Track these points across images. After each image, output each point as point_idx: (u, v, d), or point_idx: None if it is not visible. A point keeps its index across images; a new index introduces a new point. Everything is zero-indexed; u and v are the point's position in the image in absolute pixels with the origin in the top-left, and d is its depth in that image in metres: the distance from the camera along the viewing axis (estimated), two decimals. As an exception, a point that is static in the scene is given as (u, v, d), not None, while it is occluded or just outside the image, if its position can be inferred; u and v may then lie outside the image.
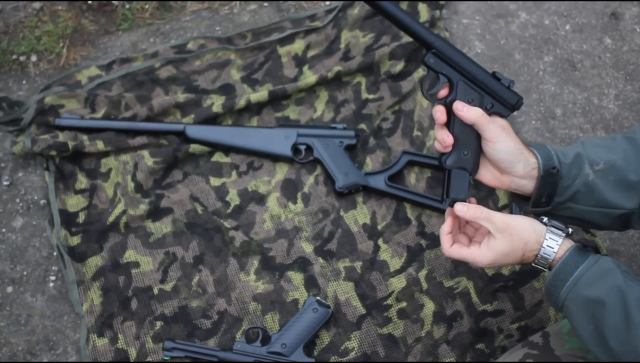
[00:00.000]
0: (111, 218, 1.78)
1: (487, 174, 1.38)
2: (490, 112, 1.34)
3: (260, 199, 1.85)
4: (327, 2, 2.17)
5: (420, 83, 1.85)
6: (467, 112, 1.31)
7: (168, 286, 1.72)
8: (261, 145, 1.87)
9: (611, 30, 2.16)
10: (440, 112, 1.34)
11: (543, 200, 1.36)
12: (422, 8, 2.11)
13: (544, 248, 1.26)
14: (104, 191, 1.84)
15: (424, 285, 1.74)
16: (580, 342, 1.31)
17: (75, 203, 1.82)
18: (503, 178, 1.36)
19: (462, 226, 1.39)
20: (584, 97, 2.04)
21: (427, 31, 1.36)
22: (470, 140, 1.35)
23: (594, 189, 1.32)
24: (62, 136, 1.86)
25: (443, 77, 1.36)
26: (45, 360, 1.66)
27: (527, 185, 1.35)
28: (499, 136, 1.31)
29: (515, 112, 1.94)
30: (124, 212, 1.79)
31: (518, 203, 1.44)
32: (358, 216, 1.83)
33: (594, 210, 1.35)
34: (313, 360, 1.61)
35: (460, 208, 1.31)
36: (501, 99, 1.35)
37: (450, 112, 1.35)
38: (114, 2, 2.13)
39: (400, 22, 1.35)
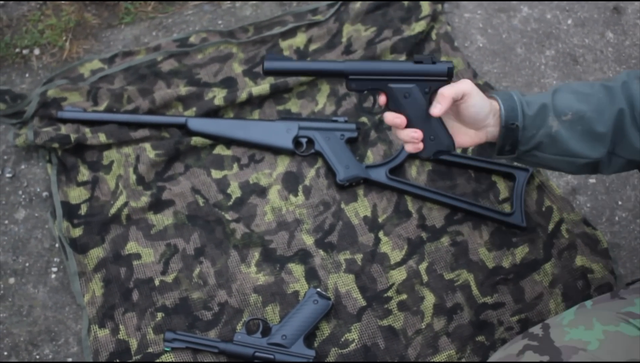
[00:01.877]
0: (113, 210, 1.79)
1: (464, 138, 1.38)
2: (430, 93, 1.35)
3: (262, 191, 1.85)
4: (329, -4, 2.18)
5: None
6: (435, 108, 1.32)
7: (169, 278, 1.73)
8: (263, 138, 1.88)
9: (613, 24, 2.16)
10: (394, 117, 1.34)
11: (507, 148, 1.38)
12: (424, 3, 2.11)
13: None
14: (106, 184, 1.84)
15: (425, 278, 1.75)
16: (582, 330, 1.30)
17: (77, 195, 1.83)
18: (479, 133, 1.38)
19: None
20: (586, 91, 2.04)
21: (333, 63, 1.37)
22: (428, 122, 1.35)
23: (558, 140, 1.34)
24: (64, 129, 1.86)
25: (373, 91, 1.37)
26: (47, 351, 1.66)
27: (494, 123, 1.37)
28: (469, 88, 1.32)
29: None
30: (126, 204, 1.79)
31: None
32: (359, 208, 1.83)
33: (559, 158, 1.37)
34: (313, 351, 1.61)
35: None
36: (434, 77, 1.35)
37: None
38: (116, -4, 2.15)
39: (307, 71, 1.38)
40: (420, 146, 1.35)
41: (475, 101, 1.33)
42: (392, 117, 1.34)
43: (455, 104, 1.34)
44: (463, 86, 1.32)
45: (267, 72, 1.36)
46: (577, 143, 1.34)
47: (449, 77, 1.35)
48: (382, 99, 1.38)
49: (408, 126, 1.35)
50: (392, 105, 1.36)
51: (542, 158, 1.38)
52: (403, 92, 1.35)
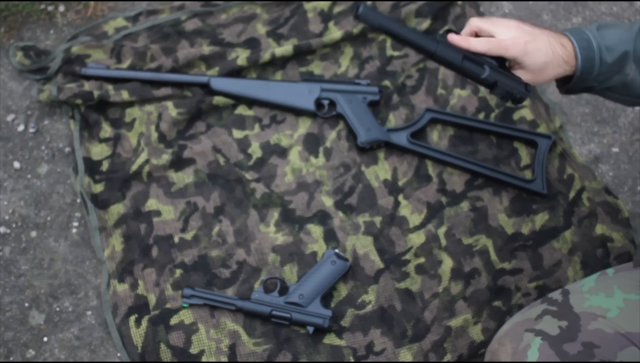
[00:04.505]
0: (134, 167, 1.80)
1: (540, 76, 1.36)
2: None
3: (282, 152, 1.85)
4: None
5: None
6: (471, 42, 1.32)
7: (188, 236, 1.74)
8: (284, 99, 1.88)
9: (642, -7, 2.13)
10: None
11: (575, 89, 1.37)
12: (451, -32, 2.09)
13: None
14: (128, 141, 1.85)
15: (443, 242, 1.75)
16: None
17: (99, 151, 1.84)
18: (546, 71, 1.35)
19: None
20: (612, 60, 2.02)
21: (425, 40, 1.35)
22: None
23: (631, 86, 1.32)
24: (87, 86, 1.87)
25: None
26: (67, 304, 1.68)
27: (568, 70, 1.34)
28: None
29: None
30: (147, 161, 1.80)
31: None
32: (379, 171, 1.83)
33: (627, 98, 1.35)
34: (330, 311, 1.62)
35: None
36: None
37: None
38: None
39: (397, 34, 1.35)
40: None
41: (535, 52, 1.30)
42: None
43: (519, 65, 1.33)
44: (512, 50, 1.30)
45: (359, 18, 1.33)
46: None
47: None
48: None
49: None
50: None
51: (608, 95, 1.37)
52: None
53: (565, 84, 1.38)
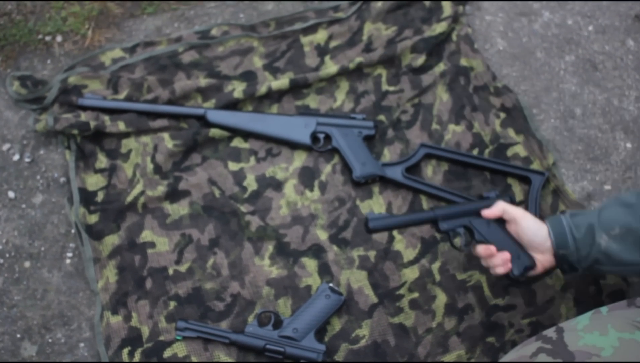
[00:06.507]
0: (129, 198, 1.80)
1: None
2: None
3: (278, 185, 1.86)
4: (351, -6, 2.19)
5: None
6: (489, 210, 1.58)
7: (183, 268, 1.74)
8: (280, 132, 1.89)
9: (634, 32, 2.16)
10: (485, 248, 1.55)
11: (565, 268, 1.53)
12: (446, 4, 2.12)
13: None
14: (124, 172, 1.85)
15: (437, 277, 1.75)
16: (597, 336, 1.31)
17: (94, 181, 1.84)
18: (546, 256, 1.54)
19: None
20: (604, 98, 2.04)
21: (424, 213, 1.61)
22: (509, 241, 1.57)
23: (610, 254, 1.42)
24: (84, 116, 1.88)
25: (461, 229, 1.61)
26: (59, 335, 1.67)
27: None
28: (520, 214, 1.55)
29: (534, 110, 1.95)
30: (142, 193, 1.80)
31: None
32: (374, 206, 1.84)
33: (620, 269, 1.45)
34: (324, 346, 1.62)
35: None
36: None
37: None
38: (140, -14, 2.16)
39: (405, 224, 1.60)
40: (509, 265, 1.54)
41: (528, 224, 1.53)
42: (484, 249, 1.55)
43: (513, 229, 1.56)
44: (512, 211, 1.55)
45: (371, 231, 1.57)
46: (630, 254, 1.40)
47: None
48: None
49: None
50: (478, 236, 1.58)
51: (606, 270, 1.47)
52: (485, 222, 1.59)
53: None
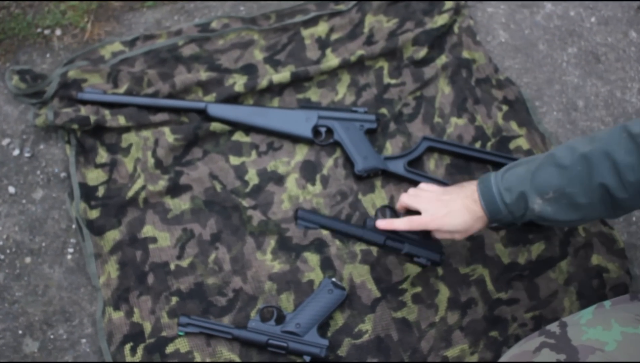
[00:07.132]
0: (130, 193, 1.79)
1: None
2: None
3: (279, 179, 1.85)
4: (352, -14, 2.17)
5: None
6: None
7: (185, 263, 1.73)
8: (282, 126, 1.88)
9: (637, 24, 2.15)
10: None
11: (508, 225, 1.52)
12: (447, -4, 2.11)
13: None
14: (124, 166, 1.84)
15: (440, 271, 1.74)
16: (598, 330, 1.30)
17: (95, 176, 1.83)
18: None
19: None
20: (607, 90, 2.03)
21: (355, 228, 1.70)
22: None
23: (545, 217, 1.41)
24: (84, 110, 1.87)
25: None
26: (61, 332, 1.67)
27: (486, 219, 1.51)
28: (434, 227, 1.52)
29: (537, 103, 1.94)
30: (143, 187, 1.80)
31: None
32: (376, 199, 1.83)
33: (558, 225, 1.51)
34: (326, 340, 1.62)
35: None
36: None
37: None
38: (139, -21, 2.14)
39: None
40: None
41: (448, 226, 1.50)
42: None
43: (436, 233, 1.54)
44: (431, 225, 1.51)
45: (297, 219, 1.75)
46: (566, 214, 1.39)
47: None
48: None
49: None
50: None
51: (549, 223, 1.45)
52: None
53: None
